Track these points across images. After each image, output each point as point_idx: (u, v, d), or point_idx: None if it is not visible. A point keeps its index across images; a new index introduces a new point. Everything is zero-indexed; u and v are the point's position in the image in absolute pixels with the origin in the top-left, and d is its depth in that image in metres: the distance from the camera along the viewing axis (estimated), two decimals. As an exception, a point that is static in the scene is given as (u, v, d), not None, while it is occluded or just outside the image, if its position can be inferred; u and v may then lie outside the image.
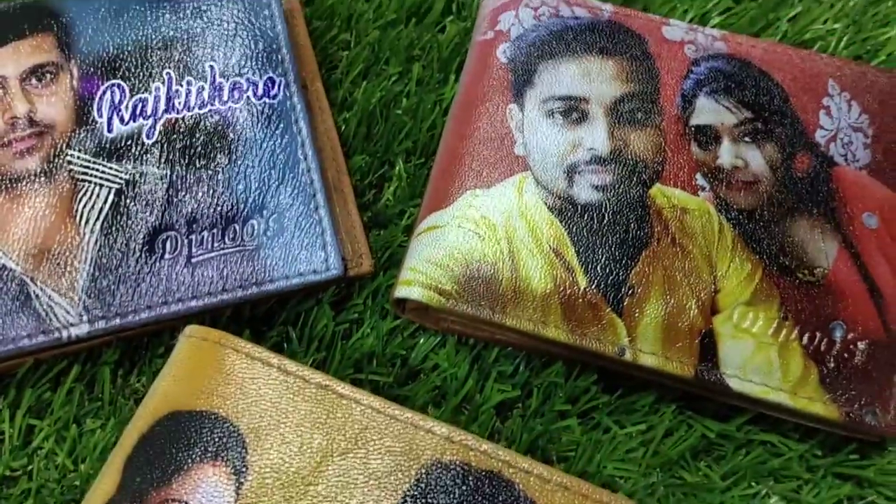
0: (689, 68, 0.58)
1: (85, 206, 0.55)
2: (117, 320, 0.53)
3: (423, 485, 0.45)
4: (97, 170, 0.56)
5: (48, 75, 0.58)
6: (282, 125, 0.58)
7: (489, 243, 0.54)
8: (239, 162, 0.57)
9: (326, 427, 0.47)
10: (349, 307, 0.58)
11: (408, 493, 0.45)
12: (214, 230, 0.55)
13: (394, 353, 0.56)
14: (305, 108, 0.59)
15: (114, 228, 0.55)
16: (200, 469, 0.46)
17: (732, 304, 0.52)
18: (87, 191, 0.55)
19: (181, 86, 0.58)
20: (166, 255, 0.54)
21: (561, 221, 0.54)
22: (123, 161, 0.56)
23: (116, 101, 0.57)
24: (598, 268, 0.53)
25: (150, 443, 0.47)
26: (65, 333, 0.53)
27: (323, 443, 0.46)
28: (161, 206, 0.55)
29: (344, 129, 0.63)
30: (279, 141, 0.57)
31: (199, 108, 0.58)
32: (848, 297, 0.53)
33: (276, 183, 0.56)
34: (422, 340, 0.57)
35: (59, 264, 0.54)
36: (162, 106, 0.58)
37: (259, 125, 0.58)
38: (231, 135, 0.57)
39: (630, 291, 0.53)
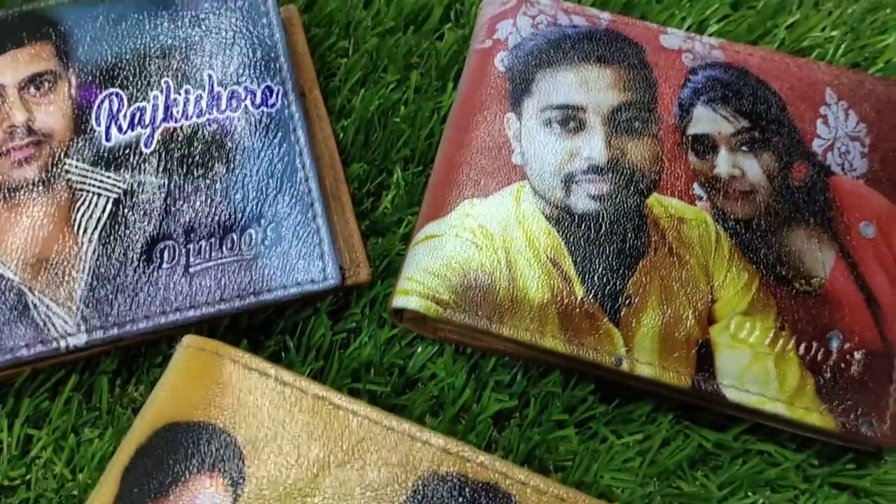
0: (687, 77, 0.59)
1: (83, 215, 0.55)
2: (115, 330, 0.53)
3: (419, 496, 0.45)
4: (95, 179, 0.56)
5: (46, 84, 0.58)
6: (280, 134, 0.58)
7: (486, 253, 0.54)
8: (237, 171, 0.57)
9: (324, 438, 0.47)
10: (347, 316, 0.58)
11: (405, 504, 0.45)
12: (212, 239, 0.55)
13: (391, 362, 0.56)
14: (303, 116, 0.59)
15: (112, 238, 0.55)
16: (198, 480, 0.46)
17: (729, 314, 0.53)
18: (85, 200, 0.55)
19: (179, 94, 0.58)
20: (164, 265, 0.54)
21: (558, 231, 0.54)
22: (121, 170, 0.56)
23: (114, 109, 0.58)
24: (596, 277, 0.53)
25: (148, 454, 0.47)
26: (63, 343, 0.53)
27: (320, 454, 0.47)
28: (159, 215, 0.55)
29: (342, 137, 0.63)
30: (277, 150, 0.57)
31: (197, 117, 0.58)
32: (845, 307, 0.53)
33: (274, 192, 0.56)
34: (419, 349, 0.57)
35: (57, 274, 0.54)
36: (160, 115, 0.58)
37: (257, 134, 0.58)
38: (229, 144, 0.57)
39: (627, 301, 0.53)
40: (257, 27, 0.60)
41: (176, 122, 0.58)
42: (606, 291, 0.53)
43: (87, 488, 0.52)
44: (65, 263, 0.54)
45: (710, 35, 0.66)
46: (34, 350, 0.52)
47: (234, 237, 0.55)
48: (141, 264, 0.54)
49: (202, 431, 0.47)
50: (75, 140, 0.57)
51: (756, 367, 0.51)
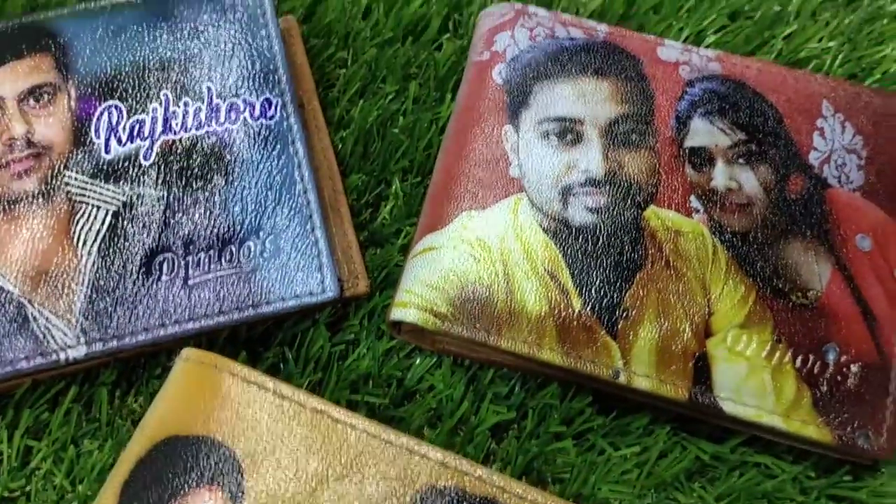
0: (684, 89, 0.59)
1: (82, 227, 0.55)
2: (114, 342, 0.53)
3: (417, 510, 0.46)
4: (94, 191, 0.56)
5: (46, 96, 0.58)
6: (278, 146, 0.58)
7: (484, 265, 0.54)
8: (236, 183, 0.57)
9: (322, 452, 0.47)
10: (345, 327, 0.58)
11: (402, 518, 0.46)
12: (211, 252, 0.55)
13: (390, 374, 0.56)
14: (302, 128, 0.59)
15: (111, 250, 0.55)
16: (197, 494, 0.46)
17: (726, 327, 0.53)
18: (84, 212, 0.56)
19: (178, 107, 0.58)
20: (163, 277, 0.55)
21: (556, 243, 0.54)
22: (121, 183, 0.56)
23: (114, 122, 0.58)
24: (593, 290, 0.53)
25: (148, 467, 0.47)
26: (62, 355, 0.53)
27: (319, 468, 0.47)
28: (158, 227, 0.56)
29: (341, 148, 0.63)
30: (276, 162, 0.58)
31: (196, 130, 0.58)
32: (841, 320, 0.53)
33: (273, 204, 0.57)
34: (418, 361, 0.57)
35: (56, 286, 0.54)
36: (159, 127, 0.58)
37: (256, 146, 0.58)
38: (228, 156, 0.57)
39: (624, 314, 0.53)
40: (256, 39, 0.60)
41: (175, 134, 0.58)
42: (604, 304, 0.53)
43: (86, 500, 0.52)
44: (64, 276, 0.54)
45: (708, 46, 0.66)
46: (34, 362, 0.53)
47: (233, 249, 0.56)
48: (140, 277, 0.55)
49: (201, 445, 0.47)
50: (75, 152, 0.57)
51: (753, 380, 0.52)
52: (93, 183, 0.56)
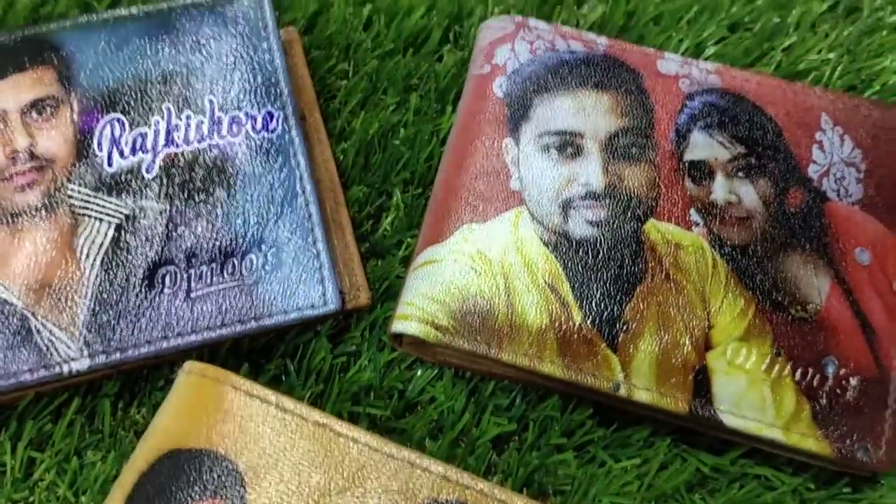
0: (684, 103, 0.59)
1: (85, 240, 0.55)
2: (117, 355, 0.54)
3: (419, 524, 0.46)
4: (97, 204, 0.56)
5: (49, 109, 0.58)
6: (280, 159, 0.58)
7: (485, 278, 0.54)
8: (238, 196, 0.57)
9: (324, 465, 0.47)
10: (346, 339, 0.58)
11: (404, 532, 0.46)
12: (213, 265, 0.56)
13: (391, 385, 0.57)
14: (304, 140, 0.59)
15: (114, 263, 0.55)
16: (200, 507, 0.46)
17: (726, 340, 0.53)
18: (87, 225, 0.56)
19: (180, 120, 0.59)
20: (166, 290, 0.55)
21: (556, 256, 0.55)
22: (123, 196, 0.57)
23: (116, 135, 0.58)
24: (593, 303, 0.54)
25: (151, 480, 0.47)
26: (66, 368, 0.53)
27: (321, 481, 0.47)
28: (161, 240, 0.56)
29: (342, 160, 0.63)
30: (278, 175, 0.58)
31: (199, 143, 0.58)
32: (840, 333, 0.53)
33: (275, 217, 0.57)
34: (419, 373, 0.57)
35: (60, 299, 0.54)
36: (161, 140, 0.58)
37: (258, 159, 0.58)
38: (230, 169, 0.58)
39: (625, 327, 0.53)
40: (258, 52, 0.61)
41: (177, 147, 0.58)
42: (604, 317, 0.53)
43: (89, 512, 0.53)
44: (67, 288, 0.54)
45: (708, 57, 0.67)
46: (37, 375, 0.53)
47: (236, 262, 0.56)
48: (143, 289, 0.55)
49: (204, 458, 0.48)
50: (77, 165, 0.57)
51: (752, 393, 0.52)
52: (95, 196, 0.56)
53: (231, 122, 0.59)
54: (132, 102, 0.59)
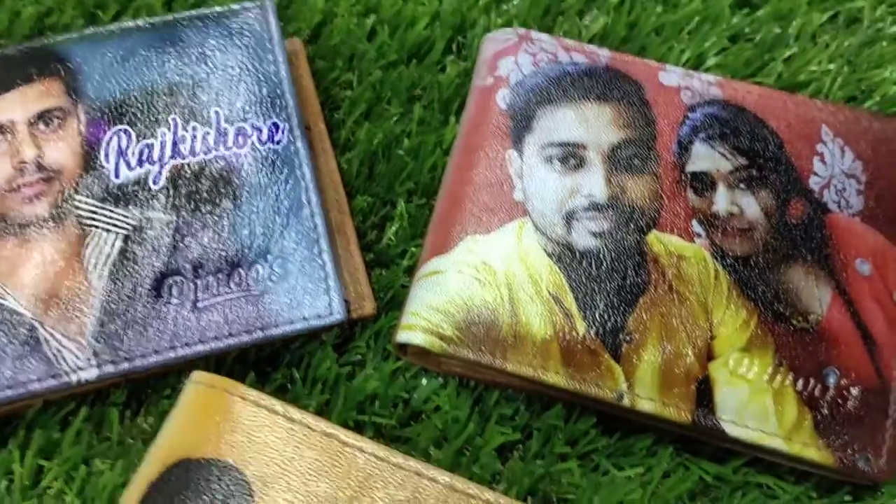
0: (686, 114, 0.60)
1: (93, 251, 0.56)
2: (125, 364, 0.54)
3: (425, 533, 0.46)
4: (105, 215, 0.57)
5: (56, 120, 0.59)
6: (286, 170, 0.59)
7: (489, 289, 0.55)
8: (244, 207, 0.58)
9: (331, 475, 0.48)
10: (352, 349, 0.59)
11: (411, 542, 0.46)
12: (220, 275, 0.56)
13: (396, 394, 0.57)
14: (309, 151, 0.60)
15: (121, 274, 0.56)
16: (208, 517, 0.47)
17: (728, 351, 0.54)
18: (94, 236, 0.56)
19: (186, 131, 0.59)
20: (173, 300, 0.55)
21: (560, 267, 0.55)
22: (130, 207, 0.57)
23: (123, 146, 0.58)
24: (597, 314, 0.54)
25: (159, 489, 0.48)
26: (74, 377, 0.54)
27: (328, 491, 0.47)
28: (167, 251, 0.56)
29: (346, 170, 0.64)
30: (283, 186, 0.58)
31: (205, 154, 0.59)
32: (841, 344, 0.54)
33: (281, 228, 0.57)
34: (424, 382, 0.58)
35: (68, 309, 0.55)
36: (168, 151, 0.59)
37: (264, 170, 0.59)
38: (236, 180, 0.58)
39: (628, 338, 0.54)
40: (263, 63, 0.61)
41: (184, 158, 0.59)
42: (607, 328, 0.54)
43: (97, 521, 0.53)
44: (75, 299, 0.55)
45: (709, 68, 0.67)
46: (46, 384, 0.53)
47: (242, 273, 0.56)
48: (150, 300, 0.55)
49: (212, 468, 0.48)
50: (85, 176, 0.58)
51: (755, 403, 0.52)
52: (103, 207, 0.57)
53: (237, 133, 0.59)
54: (139, 114, 0.59)
